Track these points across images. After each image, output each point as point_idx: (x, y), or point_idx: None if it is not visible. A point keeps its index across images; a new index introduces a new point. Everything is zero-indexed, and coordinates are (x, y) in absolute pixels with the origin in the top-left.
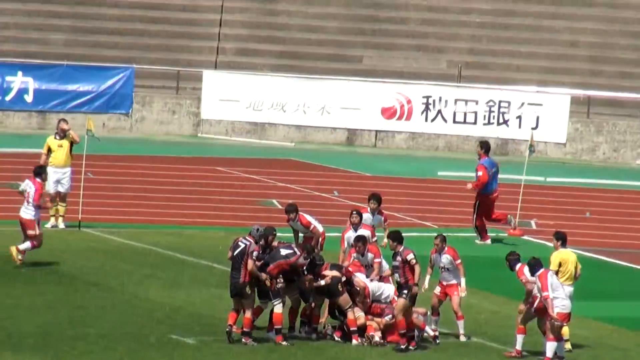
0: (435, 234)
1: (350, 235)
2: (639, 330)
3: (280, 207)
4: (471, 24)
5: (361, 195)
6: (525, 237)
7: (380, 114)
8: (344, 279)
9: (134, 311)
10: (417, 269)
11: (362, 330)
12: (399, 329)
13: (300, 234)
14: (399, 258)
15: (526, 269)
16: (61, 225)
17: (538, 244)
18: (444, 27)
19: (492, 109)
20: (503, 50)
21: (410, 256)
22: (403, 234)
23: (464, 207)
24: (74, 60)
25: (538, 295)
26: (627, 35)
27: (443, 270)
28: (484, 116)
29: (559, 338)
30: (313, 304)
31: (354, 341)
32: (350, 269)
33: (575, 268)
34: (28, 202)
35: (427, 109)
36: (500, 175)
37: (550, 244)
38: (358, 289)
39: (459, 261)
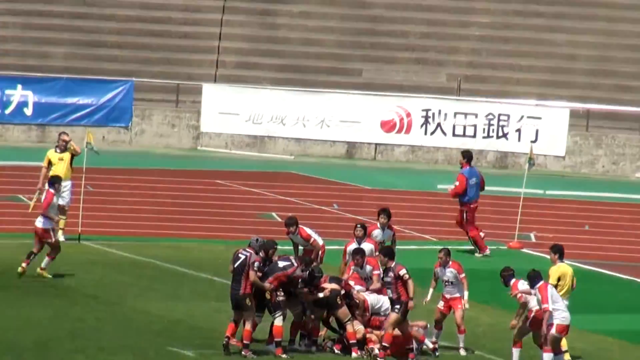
0: (439, 248)
1: (353, 248)
2: (639, 344)
3: (279, 220)
4: (470, 37)
5: (361, 209)
6: (525, 250)
7: (379, 127)
8: (343, 292)
9: (133, 324)
10: (410, 283)
11: (361, 343)
12: (384, 341)
13: (300, 247)
14: (391, 274)
15: (520, 284)
16: (61, 238)
17: (537, 257)
18: (443, 40)
19: (492, 122)
20: (502, 64)
21: (402, 271)
22: (404, 247)
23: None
24: (74, 73)
25: (533, 309)
26: (625, 49)
27: (447, 284)
28: (484, 129)
29: (556, 351)
30: (312, 317)
31: (354, 354)
32: (350, 281)
33: (572, 281)
34: None
35: (426, 122)
36: (499, 188)
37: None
38: (357, 302)
39: (463, 275)
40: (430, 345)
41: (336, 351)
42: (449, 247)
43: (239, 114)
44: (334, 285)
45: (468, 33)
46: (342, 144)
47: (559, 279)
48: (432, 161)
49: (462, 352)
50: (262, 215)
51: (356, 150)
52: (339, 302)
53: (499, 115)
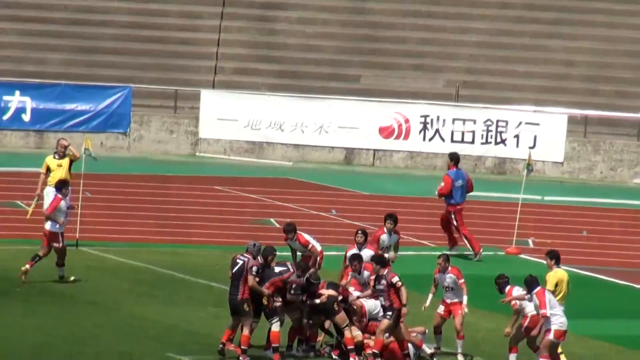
0: (438, 254)
1: (351, 254)
2: (636, 349)
3: (278, 226)
4: (469, 43)
5: (359, 214)
6: (523, 256)
7: (378, 133)
8: (340, 297)
9: (130, 330)
10: (403, 290)
11: (359, 348)
12: (375, 348)
13: (299, 253)
14: (383, 281)
15: (515, 291)
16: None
17: (535, 262)
18: (441, 46)
19: (490, 128)
20: (500, 70)
21: (395, 279)
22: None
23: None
24: (72, 80)
25: (529, 314)
26: (624, 55)
27: (447, 289)
28: (482, 135)
29: (554, 356)
30: (310, 323)
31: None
32: (350, 287)
33: (568, 286)
34: None
35: (425, 128)
36: (497, 194)
37: None
38: (355, 307)
39: (462, 280)
40: (428, 351)
41: (334, 357)
42: (447, 252)
43: (237, 120)
44: (331, 292)
45: (466, 39)
46: (341, 150)
47: (556, 285)
48: (430, 167)
49: (460, 358)
50: (260, 221)
51: (355, 156)
52: (336, 308)
53: (497, 121)
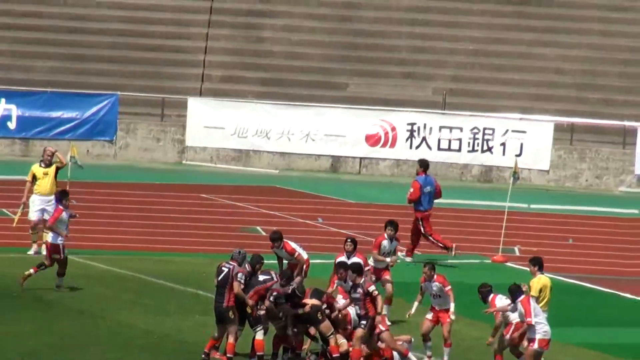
0: (424, 262)
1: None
2: (621, 357)
3: (264, 234)
4: (456, 51)
5: (345, 222)
6: (509, 264)
7: (364, 141)
8: (324, 306)
9: (117, 338)
10: (379, 299)
11: (344, 356)
12: (353, 358)
13: (285, 261)
14: (360, 290)
15: (498, 300)
16: (44, 252)
17: (521, 270)
18: (428, 54)
19: (477, 136)
20: (487, 78)
21: (372, 288)
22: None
23: (448, 235)
24: (59, 87)
25: (514, 322)
26: (611, 63)
27: (434, 297)
28: (469, 143)
29: None
30: (295, 331)
31: None
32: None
33: (550, 293)
34: None
35: (411, 136)
36: (483, 202)
37: None
38: (339, 315)
39: (448, 287)
40: (414, 359)
41: None
42: (435, 260)
43: (224, 127)
44: (315, 301)
45: (453, 47)
46: (327, 158)
47: (540, 290)
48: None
49: None
50: (247, 229)
51: (341, 164)
52: (320, 318)
53: (484, 129)
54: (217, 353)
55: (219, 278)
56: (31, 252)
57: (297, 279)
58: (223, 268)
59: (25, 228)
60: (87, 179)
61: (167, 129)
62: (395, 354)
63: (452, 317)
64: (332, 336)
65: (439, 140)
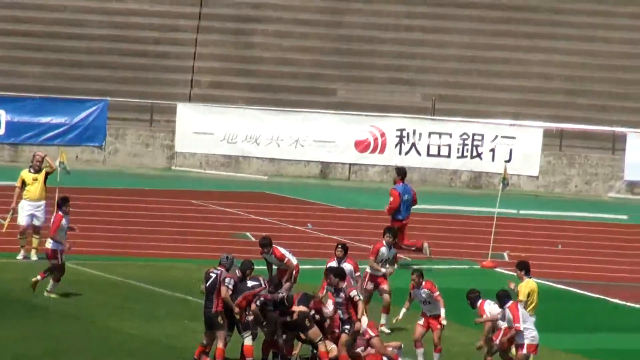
0: (412, 269)
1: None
2: None
3: (254, 239)
4: (445, 57)
5: (335, 228)
6: (498, 269)
7: (354, 147)
8: (312, 312)
9: (107, 343)
10: (360, 305)
11: None
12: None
13: (275, 267)
14: (342, 295)
15: (486, 305)
16: (34, 257)
17: (510, 276)
18: (418, 60)
19: (466, 142)
20: (477, 84)
21: (353, 293)
22: None
23: (438, 240)
24: (48, 93)
25: (502, 327)
26: (600, 69)
27: (424, 303)
28: (458, 149)
29: None
30: (284, 337)
31: None
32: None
33: (537, 297)
34: None
35: (401, 142)
36: (472, 208)
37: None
38: (328, 320)
39: (437, 293)
40: None
41: None
42: (424, 266)
43: (213, 133)
44: (302, 308)
45: (443, 53)
46: (316, 164)
47: (528, 295)
48: (406, 181)
49: None
50: (236, 235)
51: (330, 170)
52: (308, 324)
53: (473, 135)
54: (207, 358)
55: (207, 284)
56: (20, 256)
57: (287, 285)
58: (211, 274)
59: (14, 233)
60: (76, 184)
61: (156, 134)
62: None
63: (444, 322)
64: (320, 342)
65: (428, 146)
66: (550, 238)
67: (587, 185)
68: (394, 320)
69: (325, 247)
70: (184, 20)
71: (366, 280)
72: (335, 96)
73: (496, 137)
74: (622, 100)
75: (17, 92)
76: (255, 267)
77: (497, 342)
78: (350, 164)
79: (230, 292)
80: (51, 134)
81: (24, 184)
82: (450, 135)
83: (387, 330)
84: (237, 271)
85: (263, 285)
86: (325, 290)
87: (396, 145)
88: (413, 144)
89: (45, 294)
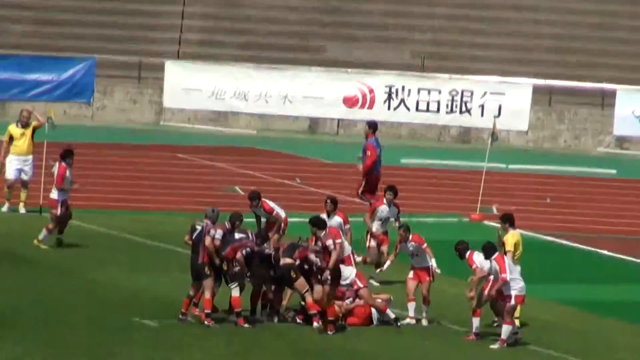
0: (399, 224)
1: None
2: (597, 313)
3: (242, 193)
4: (435, 15)
5: (323, 182)
6: (486, 222)
7: (342, 103)
8: (297, 262)
9: (95, 295)
10: (333, 255)
11: (322, 313)
12: (330, 314)
13: (263, 220)
14: (319, 243)
15: (475, 256)
16: (22, 210)
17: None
18: (407, 18)
19: (455, 98)
20: (466, 41)
21: (328, 242)
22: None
23: (427, 193)
24: (35, 51)
25: (490, 279)
26: (589, 26)
27: (412, 256)
28: (447, 105)
29: (513, 321)
30: (272, 289)
31: (315, 324)
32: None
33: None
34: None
35: (389, 98)
36: (462, 162)
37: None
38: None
39: (425, 245)
40: (392, 315)
41: (298, 321)
42: (413, 219)
43: (201, 90)
44: (287, 260)
45: (432, 11)
46: (305, 119)
47: (515, 245)
48: (395, 136)
49: (424, 322)
50: (225, 189)
51: (319, 125)
52: (294, 276)
53: (462, 91)
54: (196, 309)
55: (194, 236)
56: (4, 209)
57: (275, 237)
58: (197, 226)
59: (1, 187)
60: (64, 139)
61: (144, 91)
62: (373, 310)
63: (438, 271)
64: (307, 293)
65: (417, 101)
66: (540, 192)
67: (577, 140)
68: (377, 271)
69: (313, 200)
70: None
71: (369, 237)
72: (324, 53)
73: (485, 93)
74: (611, 57)
75: (4, 49)
76: (245, 220)
77: (486, 292)
78: (338, 119)
79: (218, 243)
80: (39, 90)
81: (11, 138)
82: (439, 91)
83: (376, 284)
84: (226, 223)
85: (250, 238)
86: (314, 241)
87: (385, 101)
88: (402, 100)
89: (35, 242)
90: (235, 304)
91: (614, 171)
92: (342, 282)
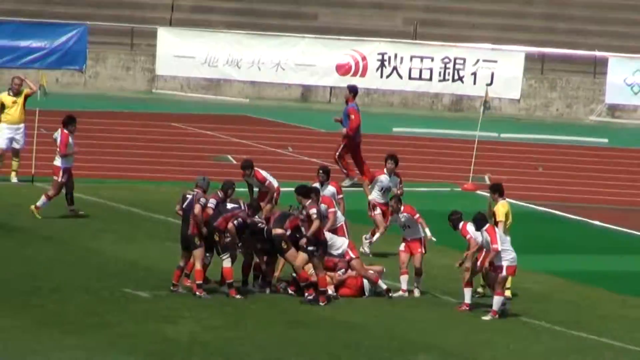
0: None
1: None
2: (588, 284)
3: (235, 162)
4: None
5: (315, 151)
6: (479, 192)
7: (334, 71)
8: (288, 232)
9: (87, 265)
10: (315, 223)
11: (314, 284)
12: (321, 285)
13: (255, 189)
14: (304, 212)
15: (469, 226)
16: (14, 180)
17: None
18: None
19: (448, 65)
20: (458, 8)
21: (312, 211)
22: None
23: (419, 162)
24: (26, 17)
25: (483, 250)
26: None
27: (404, 227)
28: (439, 73)
29: (503, 292)
30: (265, 260)
31: (307, 295)
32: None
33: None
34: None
35: (382, 65)
36: (454, 131)
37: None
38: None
39: (417, 216)
40: (384, 286)
41: (290, 292)
42: (405, 188)
43: (194, 57)
44: (278, 230)
45: None
46: (297, 87)
47: (505, 215)
48: (387, 104)
49: (417, 293)
50: (217, 157)
51: (311, 93)
52: (285, 246)
53: (455, 59)
54: (188, 280)
55: (184, 205)
56: None
57: (268, 207)
58: (187, 195)
59: None
60: (56, 107)
61: (136, 58)
62: (365, 281)
63: (434, 239)
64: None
65: (409, 69)
66: (532, 161)
67: (568, 109)
68: (363, 238)
69: (305, 169)
70: None
71: (371, 206)
72: (316, 20)
73: (478, 60)
74: (603, 24)
75: None
76: (237, 189)
77: (478, 264)
78: (331, 87)
79: (211, 212)
80: (30, 57)
81: (3, 106)
82: (432, 59)
83: (367, 250)
84: (219, 192)
85: (242, 208)
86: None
87: (377, 69)
88: (394, 68)
89: (32, 208)
90: (227, 274)
91: (605, 140)
92: (334, 253)
